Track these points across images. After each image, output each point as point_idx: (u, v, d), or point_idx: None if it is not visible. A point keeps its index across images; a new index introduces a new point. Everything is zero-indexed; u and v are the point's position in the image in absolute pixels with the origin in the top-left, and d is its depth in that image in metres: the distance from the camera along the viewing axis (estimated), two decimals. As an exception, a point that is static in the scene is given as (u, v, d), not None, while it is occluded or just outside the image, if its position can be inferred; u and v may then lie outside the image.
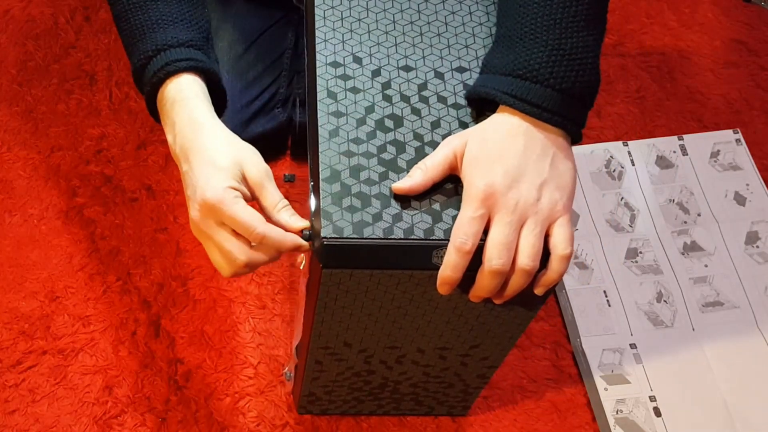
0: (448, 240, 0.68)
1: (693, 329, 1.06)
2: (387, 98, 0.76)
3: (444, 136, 0.74)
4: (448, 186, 0.71)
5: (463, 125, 0.74)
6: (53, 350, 1.05)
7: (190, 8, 0.78)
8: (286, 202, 0.73)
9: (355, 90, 0.76)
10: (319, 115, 0.74)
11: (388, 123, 0.75)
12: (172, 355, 1.05)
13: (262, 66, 1.12)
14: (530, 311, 0.77)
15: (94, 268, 1.11)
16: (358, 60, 0.77)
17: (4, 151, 1.21)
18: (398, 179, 0.72)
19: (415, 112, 0.75)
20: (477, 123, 0.74)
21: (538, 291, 0.70)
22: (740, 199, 1.17)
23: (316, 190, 0.71)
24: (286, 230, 0.71)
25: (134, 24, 0.77)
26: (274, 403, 1.01)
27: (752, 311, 1.08)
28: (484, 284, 0.68)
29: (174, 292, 1.09)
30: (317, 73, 0.76)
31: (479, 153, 0.69)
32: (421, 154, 0.73)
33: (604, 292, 1.09)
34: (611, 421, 0.99)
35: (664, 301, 1.08)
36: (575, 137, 0.72)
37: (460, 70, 0.77)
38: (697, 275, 1.11)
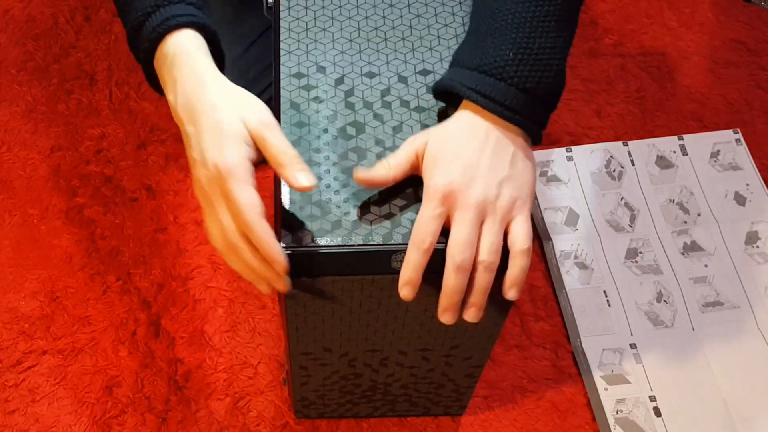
0: (407, 244, 0.68)
1: (693, 329, 1.06)
2: (350, 106, 0.77)
3: (404, 140, 0.74)
4: (408, 190, 0.72)
5: (425, 128, 0.75)
6: (53, 350, 1.05)
7: None
8: (293, 153, 0.68)
9: (317, 100, 0.77)
10: (282, 127, 0.74)
11: (350, 130, 0.76)
12: (172, 355, 1.05)
13: (261, 66, 1.12)
14: (502, 310, 0.78)
15: (94, 268, 1.11)
16: (321, 69, 0.78)
17: (4, 151, 1.21)
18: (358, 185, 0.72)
19: (378, 117, 0.76)
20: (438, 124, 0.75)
21: (510, 294, 0.69)
22: (740, 199, 1.17)
23: (278, 200, 0.72)
24: (289, 183, 0.67)
25: None
26: (274, 403, 1.01)
27: (752, 311, 1.08)
28: (449, 284, 0.68)
29: (174, 292, 1.09)
30: (281, 85, 0.77)
31: (439, 151, 0.69)
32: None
33: (604, 292, 1.09)
34: (611, 421, 0.99)
35: (664, 301, 1.08)
36: (535, 138, 0.72)
37: (424, 72, 0.78)
38: (697, 275, 1.11)
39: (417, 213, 0.69)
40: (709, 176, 1.19)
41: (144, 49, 0.73)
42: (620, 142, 1.22)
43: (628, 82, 1.29)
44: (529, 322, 1.07)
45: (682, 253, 1.12)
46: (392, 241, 0.69)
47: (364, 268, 0.70)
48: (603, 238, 1.14)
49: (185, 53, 0.72)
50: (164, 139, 1.22)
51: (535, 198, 1.16)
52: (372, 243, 0.69)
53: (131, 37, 0.75)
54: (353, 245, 0.69)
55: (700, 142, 1.22)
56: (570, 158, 1.20)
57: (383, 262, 0.70)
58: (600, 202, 1.17)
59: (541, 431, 1.00)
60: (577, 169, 1.19)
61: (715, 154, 1.21)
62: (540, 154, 1.20)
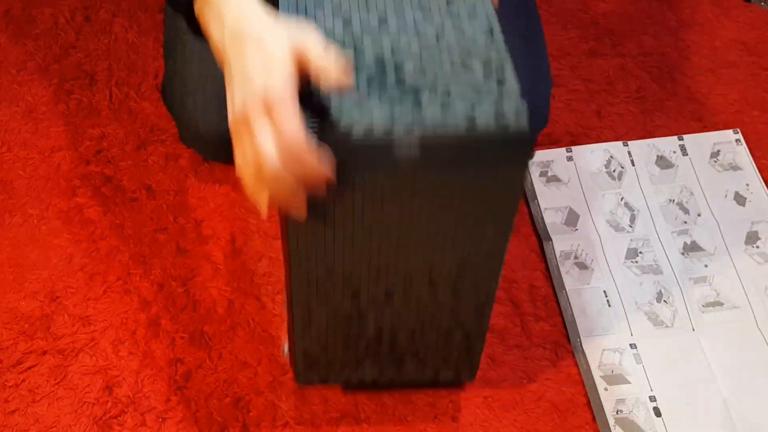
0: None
1: (693, 329, 1.06)
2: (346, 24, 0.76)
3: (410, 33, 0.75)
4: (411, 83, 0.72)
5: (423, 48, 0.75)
6: (53, 350, 1.05)
7: None
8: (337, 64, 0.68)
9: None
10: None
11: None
12: (172, 355, 1.05)
13: None
14: (505, 220, 0.75)
15: (94, 268, 1.11)
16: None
17: (4, 151, 1.21)
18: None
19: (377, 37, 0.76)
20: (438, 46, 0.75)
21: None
22: (740, 199, 1.17)
23: None
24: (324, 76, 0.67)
25: None
26: (274, 403, 1.01)
27: (752, 311, 1.08)
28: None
29: (174, 292, 1.09)
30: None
31: None
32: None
33: (604, 292, 1.09)
34: (611, 421, 0.99)
35: (664, 301, 1.08)
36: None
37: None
38: (697, 275, 1.11)
39: (418, 105, 0.69)
40: (709, 176, 1.19)
41: None
42: (620, 142, 1.22)
43: (628, 82, 1.29)
44: (529, 322, 1.07)
45: (682, 253, 1.12)
46: (393, 132, 0.68)
47: (367, 164, 0.69)
48: (603, 238, 1.14)
49: None
50: (164, 139, 1.22)
51: (535, 198, 1.17)
52: (375, 137, 0.68)
53: None
54: (355, 139, 0.68)
55: (700, 142, 1.22)
56: (570, 158, 1.20)
57: (386, 155, 0.68)
58: (600, 202, 1.17)
59: (541, 431, 1.00)
60: (577, 169, 1.20)
61: (715, 154, 1.21)
62: (540, 154, 1.20)
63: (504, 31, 0.78)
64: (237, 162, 0.69)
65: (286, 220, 0.73)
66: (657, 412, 1.00)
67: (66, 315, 1.07)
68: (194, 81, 1.06)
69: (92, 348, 1.05)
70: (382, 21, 0.76)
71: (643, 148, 1.21)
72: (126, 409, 1.01)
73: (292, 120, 0.65)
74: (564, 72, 1.29)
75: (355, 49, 0.74)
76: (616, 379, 1.03)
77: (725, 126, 1.24)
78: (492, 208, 0.74)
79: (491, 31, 0.77)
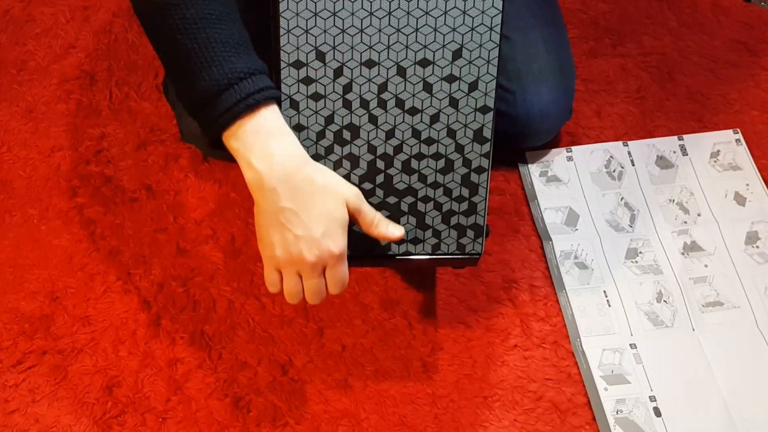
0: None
1: (693, 329, 1.06)
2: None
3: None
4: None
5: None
6: (53, 350, 1.05)
7: (241, 29, 0.76)
8: (380, 215, 0.81)
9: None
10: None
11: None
12: (172, 355, 1.05)
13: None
14: None
15: (94, 268, 1.11)
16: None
17: (4, 151, 1.21)
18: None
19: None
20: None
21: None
22: (740, 199, 1.17)
23: None
24: (385, 239, 0.83)
25: (199, 44, 0.74)
26: (274, 403, 1.01)
27: (752, 311, 1.08)
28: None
29: (174, 292, 1.09)
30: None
31: None
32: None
33: (604, 292, 1.09)
34: (611, 421, 0.99)
35: (664, 301, 1.08)
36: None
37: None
38: (697, 275, 1.11)
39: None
40: (709, 176, 1.19)
41: (223, 117, 0.75)
42: (620, 142, 1.22)
43: (628, 82, 1.29)
44: (529, 322, 1.07)
45: (682, 253, 1.12)
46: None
47: None
48: (603, 238, 1.14)
49: (283, 131, 0.76)
50: (164, 139, 1.22)
51: (536, 198, 1.17)
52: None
53: (199, 100, 0.75)
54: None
55: (700, 142, 1.22)
56: (570, 158, 1.20)
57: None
58: (600, 202, 1.17)
59: (541, 431, 1.00)
60: (577, 169, 1.19)
61: (715, 154, 1.21)
62: (540, 154, 1.20)
63: (528, 23, 0.81)
64: (267, 280, 0.82)
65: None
66: (657, 412, 1.00)
67: (66, 315, 1.07)
68: None
69: (92, 348, 1.05)
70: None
71: (643, 148, 1.21)
72: (126, 409, 1.01)
73: (343, 273, 0.81)
74: (564, 72, 1.29)
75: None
76: (616, 379, 1.03)
77: (725, 126, 1.24)
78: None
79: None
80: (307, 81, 0.77)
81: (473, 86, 0.80)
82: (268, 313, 1.08)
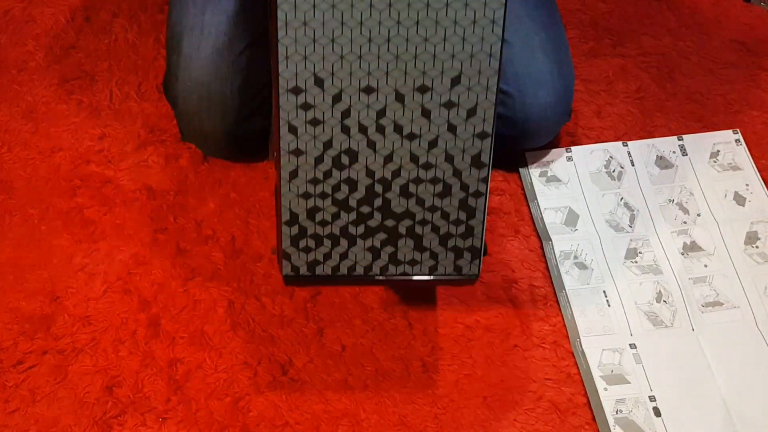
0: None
1: (693, 329, 1.06)
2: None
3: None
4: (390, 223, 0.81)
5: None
6: (53, 350, 1.05)
7: None
8: None
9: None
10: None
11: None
12: (172, 355, 1.05)
13: (262, 63, 1.12)
14: (497, 4, 0.75)
15: (94, 268, 1.11)
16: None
17: (4, 152, 1.21)
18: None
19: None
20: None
21: None
22: (740, 199, 1.17)
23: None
24: None
25: None
26: (274, 403, 1.01)
27: (752, 311, 1.08)
28: None
29: (174, 292, 1.09)
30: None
31: None
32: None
33: (604, 292, 1.09)
34: (611, 421, 1.00)
35: (664, 301, 1.09)
36: None
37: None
38: (697, 275, 1.11)
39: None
40: (708, 176, 1.19)
41: None
42: (620, 143, 1.22)
43: (628, 82, 1.29)
44: (529, 322, 1.07)
45: (682, 253, 1.12)
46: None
47: None
48: (603, 238, 1.14)
49: None
50: (164, 139, 1.22)
51: (535, 198, 1.17)
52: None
53: None
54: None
55: (700, 142, 1.22)
56: (570, 158, 1.20)
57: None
58: (600, 203, 1.17)
59: (541, 431, 1.00)
60: (576, 170, 1.20)
61: (714, 155, 1.21)
62: (540, 154, 1.20)
63: (526, 26, 0.82)
64: None
65: (275, 18, 0.72)
66: (657, 412, 1.00)
67: (66, 315, 1.07)
68: (198, 77, 1.06)
69: (92, 348, 1.05)
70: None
71: (643, 148, 1.21)
72: (126, 409, 1.01)
73: None
74: (564, 72, 1.29)
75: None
76: (615, 379, 1.03)
77: (725, 126, 1.24)
78: None
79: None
80: (306, 107, 0.77)
81: (471, 112, 0.80)
82: (268, 313, 1.08)
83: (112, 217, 1.15)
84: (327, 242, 0.88)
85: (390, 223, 0.85)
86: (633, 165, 1.20)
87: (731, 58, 1.32)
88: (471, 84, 0.79)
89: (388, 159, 0.78)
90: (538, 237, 1.15)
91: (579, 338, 1.05)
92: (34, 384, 1.03)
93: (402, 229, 0.85)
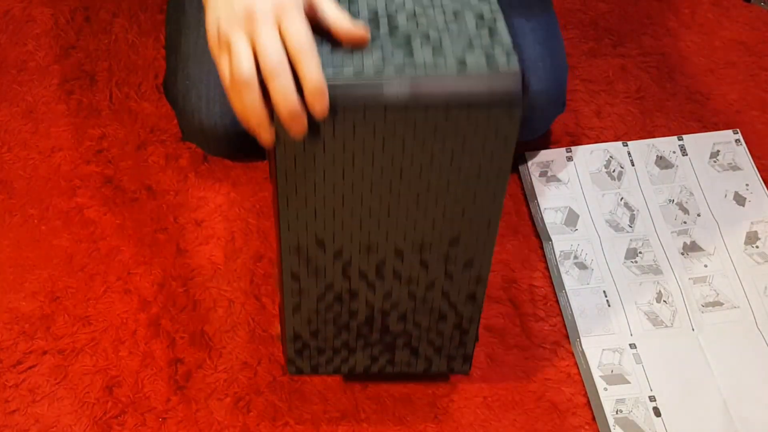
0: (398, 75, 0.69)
1: (693, 329, 1.06)
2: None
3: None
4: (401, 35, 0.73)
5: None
6: (53, 350, 1.05)
7: None
8: (345, 12, 0.70)
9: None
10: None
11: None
12: (172, 355, 1.05)
13: None
14: (500, 166, 0.76)
15: (94, 268, 1.11)
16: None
17: (5, 152, 1.21)
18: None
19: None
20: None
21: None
22: (740, 200, 1.17)
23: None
24: (346, 37, 0.68)
25: None
26: (274, 403, 1.02)
27: (752, 311, 1.08)
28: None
29: (174, 292, 1.09)
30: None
31: None
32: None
33: (604, 292, 1.09)
34: (611, 421, 1.00)
35: (664, 301, 1.09)
36: None
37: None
38: (697, 275, 1.11)
39: (410, 54, 0.70)
40: (708, 176, 1.19)
41: None
42: (620, 143, 1.22)
43: (628, 82, 1.29)
44: (529, 322, 1.08)
45: (682, 253, 1.12)
46: (384, 74, 0.69)
47: (356, 99, 0.69)
48: (603, 238, 1.14)
49: None
50: (164, 139, 1.22)
51: (535, 198, 1.17)
52: (364, 76, 0.69)
53: None
54: (344, 80, 0.69)
55: (700, 143, 1.22)
56: (570, 158, 1.20)
57: (375, 91, 0.69)
58: (600, 203, 1.17)
59: (541, 431, 1.00)
60: (576, 170, 1.20)
61: (714, 155, 1.21)
62: (540, 154, 1.20)
63: (517, 13, 0.83)
64: (219, 67, 0.68)
65: (276, 168, 0.73)
66: (657, 412, 1.00)
67: (66, 315, 1.07)
68: (197, 75, 1.06)
69: (92, 348, 1.05)
70: None
71: (643, 149, 1.21)
72: (126, 409, 1.01)
73: (302, 23, 0.65)
74: (564, 72, 1.29)
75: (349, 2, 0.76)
76: (615, 379, 1.03)
77: (725, 126, 1.24)
78: (484, 166, 0.74)
79: None
80: (308, 261, 0.82)
81: (468, 264, 0.84)
82: (268, 313, 1.08)
83: (112, 217, 1.15)
84: (329, 353, 0.95)
85: (388, 338, 0.92)
86: (633, 165, 1.20)
87: (731, 58, 1.32)
88: (468, 244, 0.82)
89: (387, 296, 0.85)
90: (538, 237, 1.15)
91: (579, 338, 1.05)
92: (34, 384, 1.03)
93: (399, 344, 0.92)
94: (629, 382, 1.02)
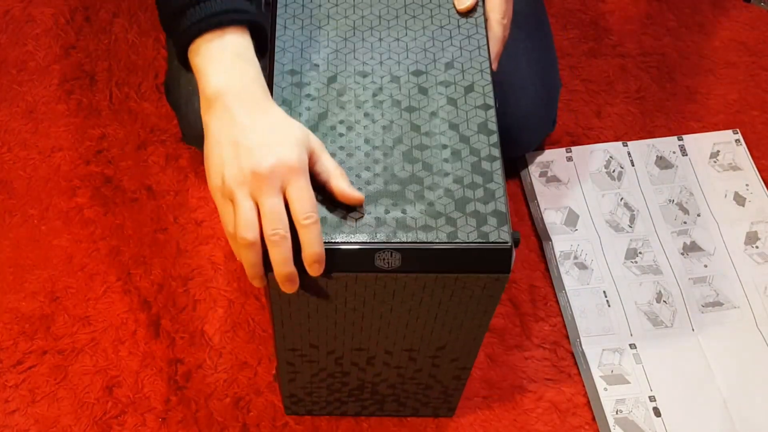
0: (390, 242, 0.70)
1: (693, 329, 1.06)
2: (341, 104, 0.77)
3: (395, 139, 0.75)
4: (395, 189, 0.73)
5: (415, 127, 0.76)
6: (53, 350, 1.05)
7: None
8: (342, 169, 0.71)
9: (309, 97, 0.77)
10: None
11: (341, 128, 0.76)
12: (172, 355, 1.05)
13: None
14: (486, 310, 0.78)
15: (94, 268, 1.11)
16: (315, 67, 0.78)
17: (5, 152, 1.21)
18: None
19: (368, 117, 0.77)
20: (429, 123, 0.76)
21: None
22: (740, 200, 1.17)
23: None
24: (342, 196, 0.70)
25: None
26: (274, 403, 1.02)
27: (752, 311, 1.08)
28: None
29: (174, 292, 1.09)
30: (273, 81, 0.77)
31: None
32: (370, 158, 0.74)
33: (604, 292, 1.09)
34: (611, 421, 1.00)
35: (664, 301, 1.09)
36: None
37: (417, 73, 0.79)
38: (697, 275, 1.11)
39: (402, 212, 0.71)
40: (708, 176, 1.19)
41: (188, 28, 0.70)
42: (620, 143, 1.22)
43: (628, 82, 1.29)
44: (529, 322, 1.08)
45: (682, 254, 1.12)
46: (376, 240, 0.70)
47: (348, 266, 0.71)
48: (603, 238, 1.14)
49: (252, 60, 0.71)
50: (164, 139, 1.22)
51: (535, 198, 1.17)
52: (356, 241, 0.70)
53: (175, 11, 0.71)
54: (338, 242, 0.70)
55: (700, 143, 1.22)
56: (570, 158, 1.20)
57: (367, 259, 0.70)
58: (600, 203, 1.17)
59: (541, 431, 1.00)
60: (576, 170, 1.20)
61: (714, 155, 1.21)
62: (540, 155, 1.20)
63: (511, 34, 0.82)
64: (223, 220, 0.69)
65: (270, 298, 0.76)
66: (657, 412, 1.00)
67: (66, 315, 1.07)
68: None
69: (92, 348, 1.05)
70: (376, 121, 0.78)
71: (643, 149, 1.21)
72: (126, 409, 1.01)
73: (308, 191, 0.67)
74: (564, 72, 1.29)
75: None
76: (615, 379, 1.03)
77: (725, 126, 1.24)
78: (471, 309, 0.77)
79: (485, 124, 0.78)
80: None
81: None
82: (268, 314, 1.08)
83: (112, 217, 1.15)
84: (323, 404, 0.98)
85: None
86: (633, 165, 1.20)
87: (731, 58, 1.32)
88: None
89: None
90: (538, 237, 1.15)
91: (579, 338, 1.05)
92: (34, 384, 1.03)
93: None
94: (629, 382, 1.02)
